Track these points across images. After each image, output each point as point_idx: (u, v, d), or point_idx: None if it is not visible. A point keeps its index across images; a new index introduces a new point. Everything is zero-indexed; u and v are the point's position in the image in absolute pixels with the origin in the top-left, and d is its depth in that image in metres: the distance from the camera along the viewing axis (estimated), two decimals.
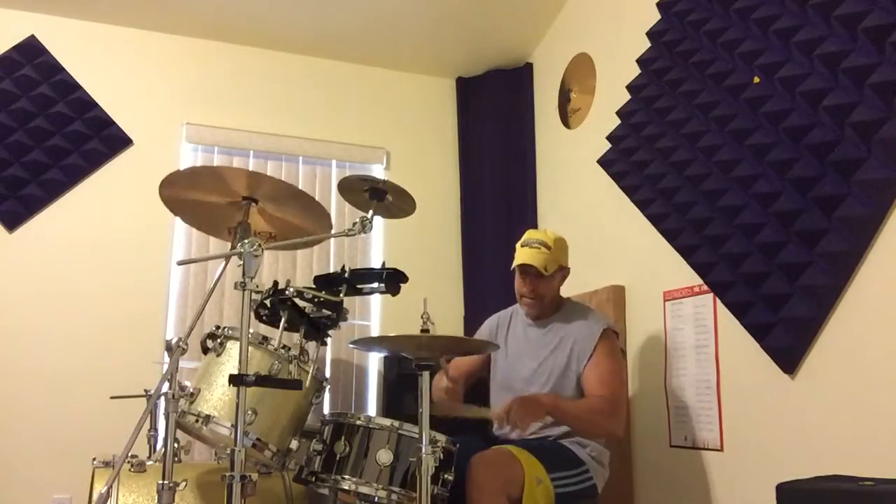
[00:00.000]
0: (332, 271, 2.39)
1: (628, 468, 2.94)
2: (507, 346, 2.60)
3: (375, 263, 3.79)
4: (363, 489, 1.95)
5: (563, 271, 2.55)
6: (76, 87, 3.51)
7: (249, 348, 1.86)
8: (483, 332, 2.72)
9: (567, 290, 2.65)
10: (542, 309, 2.54)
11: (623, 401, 2.42)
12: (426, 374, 1.85)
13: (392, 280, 2.35)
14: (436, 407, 2.29)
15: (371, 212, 2.16)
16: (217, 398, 2.06)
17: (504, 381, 2.56)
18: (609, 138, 3.21)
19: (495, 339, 2.64)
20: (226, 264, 2.15)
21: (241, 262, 1.81)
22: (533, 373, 2.47)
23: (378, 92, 4.05)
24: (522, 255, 2.46)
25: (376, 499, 1.96)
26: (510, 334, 2.63)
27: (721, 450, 2.50)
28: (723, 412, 2.51)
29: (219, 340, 2.15)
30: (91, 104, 3.52)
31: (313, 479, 2.02)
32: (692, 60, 2.72)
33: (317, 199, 2.35)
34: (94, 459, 2.22)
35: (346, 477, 1.96)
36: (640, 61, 3.03)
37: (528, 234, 2.53)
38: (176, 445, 2.10)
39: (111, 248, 3.43)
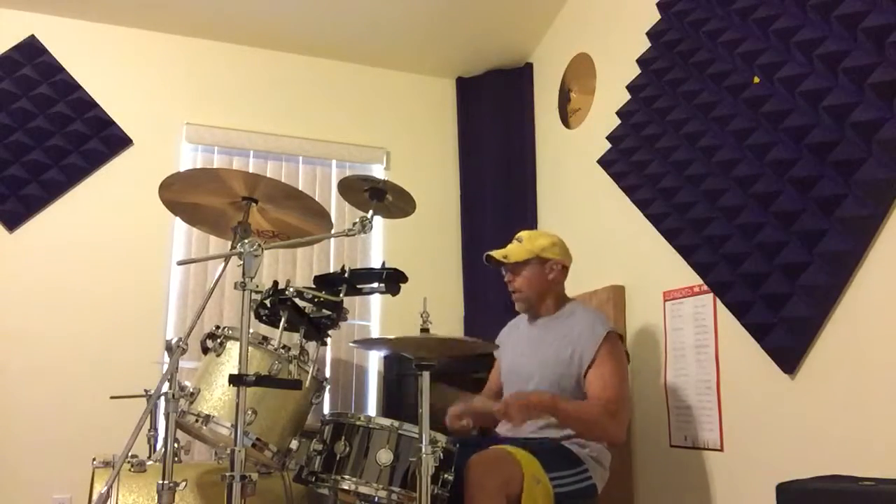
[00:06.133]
0: (332, 271, 2.39)
1: (628, 468, 2.93)
2: (512, 345, 2.62)
3: (375, 263, 3.79)
4: (363, 489, 1.94)
5: (547, 263, 2.52)
6: (76, 87, 3.51)
7: (249, 348, 1.86)
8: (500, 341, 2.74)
9: (567, 290, 2.64)
10: (530, 304, 2.55)
11: (625, 405, 2.38)
12: (426, 373, 1.85)
13: (392, 280, 2.35)
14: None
15: (371, 212, 2.16)
16: (217, 398, 2.06)
17: (507, 377, 2.59)
18: (609, 138, 3.21)
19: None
20: (226, 264, 2.15)
21: (241, 262, 1.82)
22: (533, 370, 2.47)
23: (378, 92, 4.06)
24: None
25: (376, 499, 1.95)
26: (514, 334, 2.66)
27: (721, 450, 2.50)
28: (723, 412, 2.51)
29: (219, 340, 2.15)
30: (91, 104, 3.52)
31: (313, 479, 2.01)
32: (692, 60, 2.72)
33: (317, 199, 2.35)
34: (94, 459, 2.22)
35: (346, 477, 1.96)
36: (640, 61, 3.03)
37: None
38: (176, 445, 2.10)
39: (111, 248, 3.43)
